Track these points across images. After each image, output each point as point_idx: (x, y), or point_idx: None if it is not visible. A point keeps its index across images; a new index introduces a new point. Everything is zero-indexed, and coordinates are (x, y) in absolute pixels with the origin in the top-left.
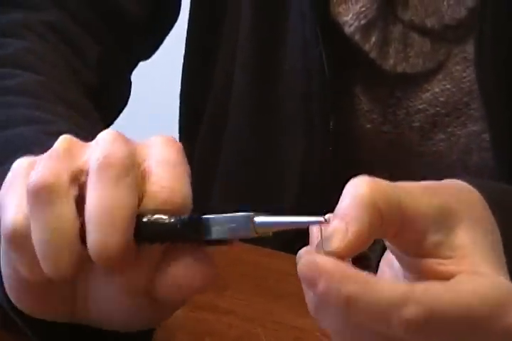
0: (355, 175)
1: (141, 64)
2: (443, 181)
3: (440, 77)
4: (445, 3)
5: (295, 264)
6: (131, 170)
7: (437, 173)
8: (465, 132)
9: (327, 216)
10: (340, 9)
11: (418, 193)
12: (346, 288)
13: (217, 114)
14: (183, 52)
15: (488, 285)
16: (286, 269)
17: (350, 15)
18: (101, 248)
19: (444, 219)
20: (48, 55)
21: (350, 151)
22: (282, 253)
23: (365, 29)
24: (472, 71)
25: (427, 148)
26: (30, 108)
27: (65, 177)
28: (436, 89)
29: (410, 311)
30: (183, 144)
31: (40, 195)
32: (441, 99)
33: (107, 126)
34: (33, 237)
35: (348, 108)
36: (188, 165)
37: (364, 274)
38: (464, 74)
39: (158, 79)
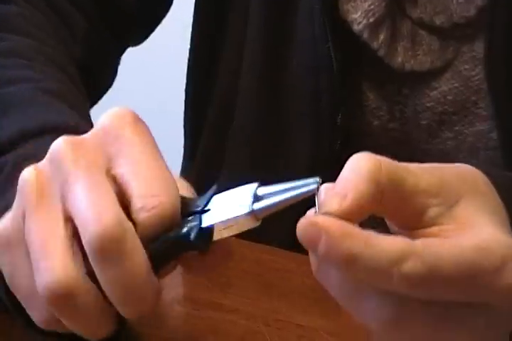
0: None
1: (148, 62)
2: (446, 164)
3: (448, 75)
4: (454, 1)
5: (298, 262)
6: (122, 240)
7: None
8: (472, 131)
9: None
10: (349, 7)
11: (418, 171)
12: (347, 245)
13: (223, 112)
14: (188, 49)
15: (492, 241)
16: (289, 267)
17: (359, 13)
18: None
19: (446, 194)
20: (38, 20)
21: (357, 148)
22: (286, 251)
23: (374, 27)
24: (481, 70)
25: (433, 147)
26: (21, 68)
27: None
28: (445, 88)
29: (411, 265)
30: (187, 142)
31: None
32: (449, 97)
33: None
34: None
35: (356, 104)
36: (158, 147)
37: (364, 231)
38: (473, 73)
39: (164, 77)
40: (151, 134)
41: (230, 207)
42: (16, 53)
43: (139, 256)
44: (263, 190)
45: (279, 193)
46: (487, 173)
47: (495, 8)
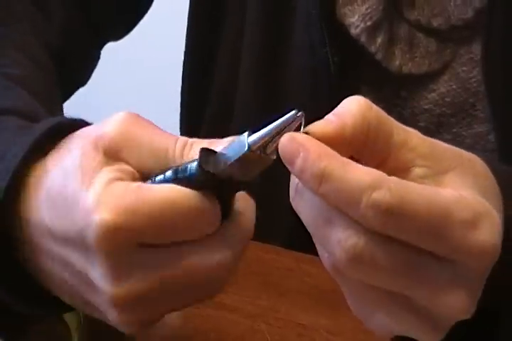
0: None
1: (144, 63)
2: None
3: (446, 77)
4: (452, 3)
5: (299, 261)
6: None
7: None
8: (470, 133)
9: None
10: (346, 10)
11: (413, 133)
12: (322, 163)
13: (220, 116)
14: (184, 50)
15: (471, 198)
16: (290, 266)
17: (356, 17)
18: None
19: (435, 160)
20: (13, 6)
21: None
22: (286, 250)
23: (371, 30)
24: (478, 72)
25: None
26: None
27: None
28: (443, 90)
29: (380, 194)
30: None
31: None
32: (447, 99)
33: (62, 101)
34: None
35: None
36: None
37: (344, 157)
38: (471, 75)
39: (159, 78)
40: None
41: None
42: None
43: None
44: (254, 136)
45: (265, 134)
46: (489, 163)
47: (492, 10)
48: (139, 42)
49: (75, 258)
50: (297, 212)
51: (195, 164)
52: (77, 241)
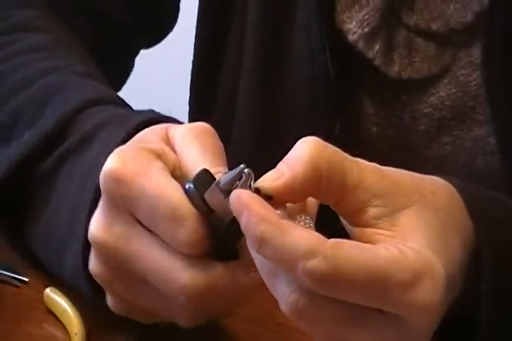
0: None
1: (151, 71)
2: (420, 174)
3: (446, 81)
4: (451, 7)
5: None
6: None
7: (442, 177)
8: (470, 136)
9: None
10: (345, 17)
11: (370, 169)
12: (260, 228)
13: (222, 126)
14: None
15: (413, 255)
16: None
17: (354, 23)
18: None
19: (391, 199)
20: (53, 19)
21: (355, 154)
22: None
23: (369, 37)
24: (478, 75)
25: (431, 152)
26: (45, 60)
27: None
28: (442, 93)
29: (315, 263)
30: None
31: None
32: (447, 103)
33: None
34: None
35: (354, 112)
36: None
37: (283, 220)
38: (470, 79)
39: (168, 87)
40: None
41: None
42: (38, 48)
43: None
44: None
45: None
46: (460, 190)
47: (493, 13)
48: (145, 53)
49: None
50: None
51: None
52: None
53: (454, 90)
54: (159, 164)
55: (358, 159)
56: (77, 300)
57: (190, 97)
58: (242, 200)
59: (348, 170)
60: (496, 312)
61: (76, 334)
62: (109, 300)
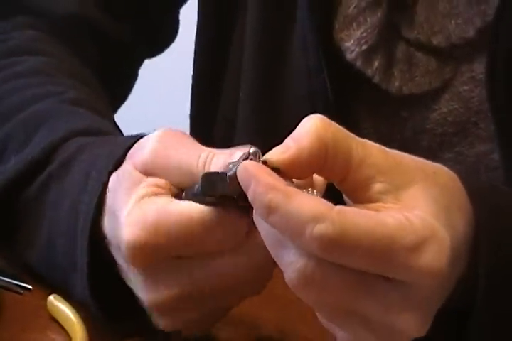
0: None
1: (151, 86)
2: (425, 160)
3: (447, 96)
4: (452, 22)
5: None
6: None
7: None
8: (473, 152)
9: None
10: (343, 35)
11: (373, 148)
12: (268, 196)
13: (224, 136)
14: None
15: (418, 221)
16: None
17: (352, 41)
18: None
19: (396, 175)
20: (54, 41)
21: None
22: None
23: (367, 54)
24: (480, 91)
25: None
26: (40, 85)
27: None
28: (444, 110)
29: (322, 227)
30: None
31: None
32: (449, 118)
33: None
34: None
35: (353, 127)
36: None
37: (290, 187)
38: (473, 94)
39: (169, 101)
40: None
41: None
42: (36, 71)
43: None
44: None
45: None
46: (460, 174)
47: (498, 29)
48: (146, 67)
49: (125, 267)
50: (258, 230)
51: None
52: (121, 254)
53: (456, 106)
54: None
55: (363, 139)
56: (80, 308)
57: (190, 111)
58: (249, 171)
59: (353, 146)
60: (493, 298)
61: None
62: (165, 321)
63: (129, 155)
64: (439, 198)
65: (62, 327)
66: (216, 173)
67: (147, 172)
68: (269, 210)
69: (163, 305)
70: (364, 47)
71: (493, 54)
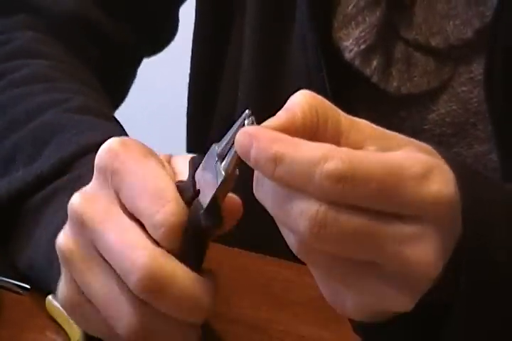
0: None
1: (150, 86)
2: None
3: (446, 97)
4: (451, 23)
5: (301, 273)
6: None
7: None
8: (471, 153)
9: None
10: (341, 34)
11: (360, 118)
12: (274, 147)
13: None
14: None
15: (419, 154)
16: (291, 278)
17: (350, 41)
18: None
19: (385, 139)
20: (53, 42)
21: None
22: (288, 262)
23: (366, 54)
24: (479, 92)
25: None
26: (45, 93)
27: None
28: (442, 110)
29: (331, 164)
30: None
31: None
32: (448, 119)
33: None
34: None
35: None
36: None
37: (293, 137)
38: (471, 95)
39: (167, 102)
40: (141, 150)
41: (209, 178)
42: (38, 78)
43: (185, 278)
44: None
45: (228, 140)
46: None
47: (496, 31)
48: (143, 66)
49: None
50: (260, 201)
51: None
52: None
53: (454, 107)
54: (157, 157)
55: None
56: None
57: (188, 111)
58: (249, 132)
59: (341, 114)
60: (473, 286)
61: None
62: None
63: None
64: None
65: (61, 327)
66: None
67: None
68: (276, 161)
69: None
70: (363, 46)
71: (491, 55)
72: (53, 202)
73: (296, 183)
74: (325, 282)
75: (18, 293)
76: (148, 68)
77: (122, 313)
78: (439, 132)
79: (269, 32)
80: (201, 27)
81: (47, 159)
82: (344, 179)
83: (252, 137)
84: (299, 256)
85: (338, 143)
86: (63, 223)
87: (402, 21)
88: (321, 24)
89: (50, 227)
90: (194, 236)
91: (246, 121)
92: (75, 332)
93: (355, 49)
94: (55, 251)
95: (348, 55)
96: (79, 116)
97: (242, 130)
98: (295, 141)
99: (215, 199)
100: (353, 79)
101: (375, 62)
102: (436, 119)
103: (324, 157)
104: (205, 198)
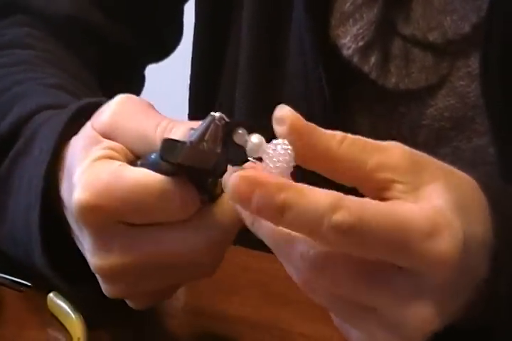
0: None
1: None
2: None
3: (444, 92)
4: (448, 18)
5: None
6: None
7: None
8: (470, 146)
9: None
10: (339, 32)
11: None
12: (282, 196)
13: None
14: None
15: (431, 209)
16: None
17: (348, 38)
18: None
19: (414, 175)
20: (49, 40)
21: None
22: None
23: (364, 51)
24: (477, 86)
25: None
26: (22, 73)
27: None
28: (441, 105)
29: (340, 215)
30: None
31: None
32: (446, 114)
33: None
34: None
35: (351, 124)
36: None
37: (297, 183)
38: (469, 89)
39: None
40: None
41: None
42: (21, 62)
43: None
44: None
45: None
46: (486, 186)
47: (491, 25)
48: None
49: (75, 229)
50: (259, 236)
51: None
52: (73, 215)
53: (452, 101)
54: (117, 166)
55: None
56: (80, 305)
57: (189, 111)
58: (250, 178)
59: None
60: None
61: (79, 338)
62: (108, 287)
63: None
64: (457, 195)
65: (62, 324)
66: (177, 140)
67: (105, 135)
68: (285, 209)
69: (107, 271)
70: (360, 43)
71: (487, 49)
72: (18, 167)
73: (302, 231)
74: (333, 314)
75: (19, 290)
76: (149, 69)
77: None
78: (438, 126)
79: (266, 32)
80: (201, 28)
81: (7, 122)
82: (351, 231)
83: (254, 183)
84: (304, 292)
85: (366, 183)
86: (29, 188)
87: (400, 17)
88: (319, 23)
89: (19, 198)
90: None
91: (218, 122)
92: (75, 329)
93: (353, 46)
94: (32, 223)
95: (346, 53)
96: (50, 89)
97: (239, 174)
98: (302, 188)
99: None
100: (351, 77)
101: (373, 59)
102: (434, 114)
103: (332, 206)
104: None
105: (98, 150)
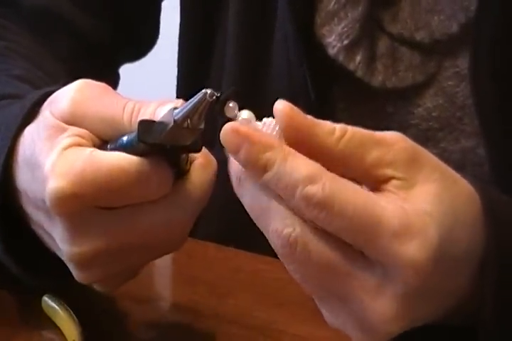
0: None
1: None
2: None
3: (432, 92)
4: (436, 18)
5: None
6: None
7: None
8: (458, 147)
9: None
10: (324, 31)
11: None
12: (266, 155)
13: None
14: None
15: (408, 210)
16: (286, 277)
17: (333, 37)
18: None
19: (414, 170)
20: (20, 31)
21: None
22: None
23: (349, 49)
24: (465, 86)
25: None
26: None
27: None
28: (429, 105)
29: (312, 188)
30: None
31: None
32: (434, 114)
33: None
34: None
35: (338, 122)
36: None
37: (287, 147)
38: (457, 89)
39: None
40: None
41: None
42: None
43: None
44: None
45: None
46: (481, 190)
47: (480, 25)
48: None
49: (43, 220)
50: (241, 200)
51: (135, 135)
52: (42, 206)
53: (441, 101)
54: (86, 153)
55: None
56: (74, 307)
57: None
58: (241, 131)
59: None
60: (499, 317)
61: (74, 340)
62: (81, 274)
63: (45, 104)
64: (446, 201)
65: (57, 327)
66: (153, 121)
67: (68, 123)
68: (266, 167)
69: (82, 257)
70: (346, 41)
71: (476, 49)
72: None
73: (279, 192)
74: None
75: (13, 292)
76: (136, 71)
77: None
78: (426, 127)
79: (251, 31)
80: (186, 27)
81: None
82: (319, 206)
83: (245, 138)
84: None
85: (365, 177)
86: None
87: (387, 16)
88: (304, 22)
89: None
90: None
91: (208, 99)
92: (71, 331)
93: (339, 45)
94: None
95: (331, 51)
96: (13, 80)
97: (232, 127)
98: (288, 151)
99: None
100: (337, 77)
101: (358, 57)
102: (422, 114)
103: (309, 178)
104: None
105: (65, 139)
